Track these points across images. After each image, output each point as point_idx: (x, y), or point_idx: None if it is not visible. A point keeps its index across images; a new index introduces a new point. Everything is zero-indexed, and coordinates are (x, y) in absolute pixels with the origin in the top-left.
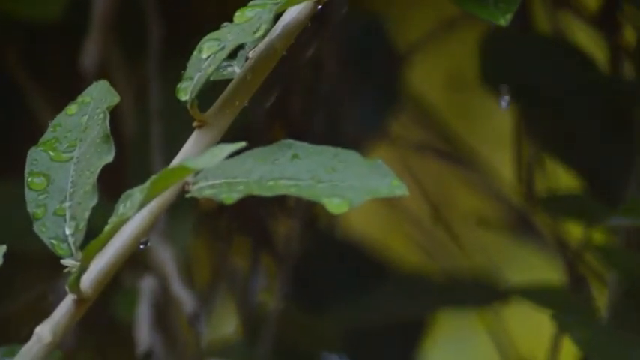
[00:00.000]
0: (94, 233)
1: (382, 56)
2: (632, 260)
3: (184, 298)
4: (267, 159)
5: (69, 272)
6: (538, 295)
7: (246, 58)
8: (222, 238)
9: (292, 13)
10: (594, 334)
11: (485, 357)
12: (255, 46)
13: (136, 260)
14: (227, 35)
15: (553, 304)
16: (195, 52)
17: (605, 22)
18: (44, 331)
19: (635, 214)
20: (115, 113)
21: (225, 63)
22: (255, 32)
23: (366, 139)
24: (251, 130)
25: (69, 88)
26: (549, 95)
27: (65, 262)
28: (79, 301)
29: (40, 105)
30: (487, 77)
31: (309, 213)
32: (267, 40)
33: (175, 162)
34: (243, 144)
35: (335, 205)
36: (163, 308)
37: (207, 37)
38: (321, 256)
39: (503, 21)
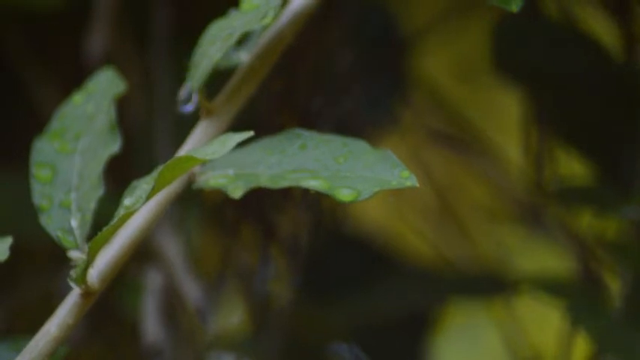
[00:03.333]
0: (101, 225)
1: (391, 44)
2: None
3: (191, 290)
4: (275, 149)
5: (75, 265)
6: (549, 286)
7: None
8: (230, 230)
9: (300, 0)
10: (607, 326)
11: (495, 348)
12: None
13: (142, 252)
14: (234, 22)
15: (564, 296)
16: (202, 40)
17: (619, 9)
18: (50, 326)
19: None
20: (120, 102)
21: (232, 50)
22: (262, 19)
23: (375, 127)
24: (258, 119)
25: (74, 77)
26: (561, 83)
27: (71, 254)
28: (86, 294)
29: (45, 94)
30: (498, 65)
31: (318, 204)
32: (274, 27)
33: (182, 152)
34: (250, 133)
35: (344, 196)
36: (170, 301)
37: (214, 25)
38: (329, 247)
39: (514, 7)
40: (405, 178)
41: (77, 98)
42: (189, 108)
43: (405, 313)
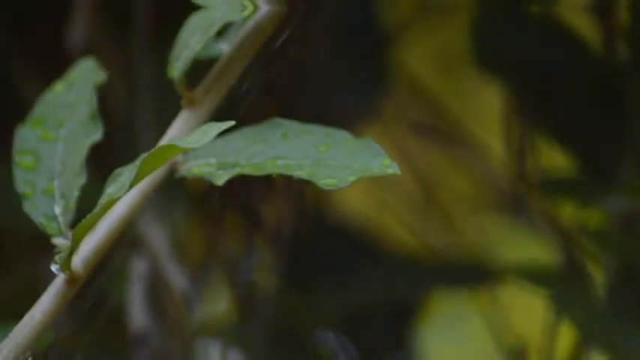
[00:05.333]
0: (84, 213)
1: (373, 35)
2: (626, 244)
3: (177, 278)
4: (258, 138)
5: (59, 251)
6: (533, 275)
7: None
8: (215, 218)
9: None
10: (591, 315)
11: (479, 337)
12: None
13: (128, 240)
14: (215, 13)
15: (548, 285)
16: (183, 30)
17: (598, 3)
18: (35, 311)
19: (631, 195)
20: (103, 91)
21: (213, 41)
22: (243, 10)
23: (357, 119)
24: (240, 109)
25: (56, 66)
26: (541, 75)
27: (55, 241)
28: (70, 280)
29: (27, 83)
30: (479, 57)
31: (302, 193)
32: (255, 18)
33: (164, 140)
34: (232, 122)
35: (326, 184)
36: (155, 288)
37: (195, 15)
38: (314, 236)
39: None
40: (386, 165)
41: (59, 87)
42: None
43: (390, 302)
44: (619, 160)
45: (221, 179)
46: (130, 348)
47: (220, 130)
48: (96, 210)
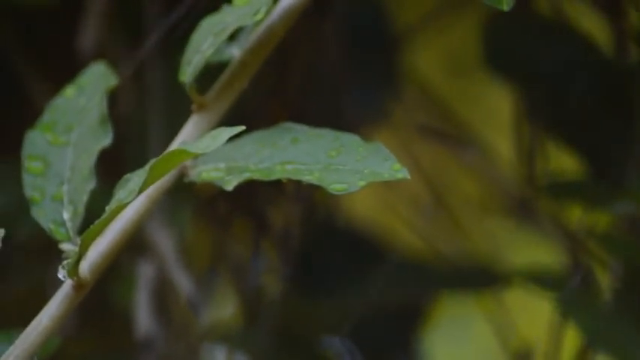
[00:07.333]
0: (92, 218)
1: (382, 38)
2: (634, 248)
3: (183, 282)
4: (267, 142)
5: (66, 257)
6: (540, 279)
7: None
8: (222, 223)
9: None
10: (597, 319)
11: (486, 341)
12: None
13: (135, 245)
14: (227, 17)
15: (555, 288)
16: (194, 35)
17: (609, 5)
18: (42, 317)
19: (639, 198)
20: (113, 96)
21: (224, 45)
22: (255, 14)
23: (366, 122)
24: (249, 113)
25: (66, 71)
26: (551, 78)
27: (63, 246)
28: (78, 286)
29: (38, 87)
30: (489, 60)
31: (310, 197)
32: (266, 22)
33: (174, 145)
34: (242, 127)
35: (336, 189)
36: (162, 293)
37: (206, 19)
38: (321, 240)
39: (505, 6)
40: (396, 170)
41: (69, 91)
42: None
43: (397, 306)
44: (627, 164)
45: (230, 184)
46: (136, 352)
47: (230, 135)
48: (105, 216)
